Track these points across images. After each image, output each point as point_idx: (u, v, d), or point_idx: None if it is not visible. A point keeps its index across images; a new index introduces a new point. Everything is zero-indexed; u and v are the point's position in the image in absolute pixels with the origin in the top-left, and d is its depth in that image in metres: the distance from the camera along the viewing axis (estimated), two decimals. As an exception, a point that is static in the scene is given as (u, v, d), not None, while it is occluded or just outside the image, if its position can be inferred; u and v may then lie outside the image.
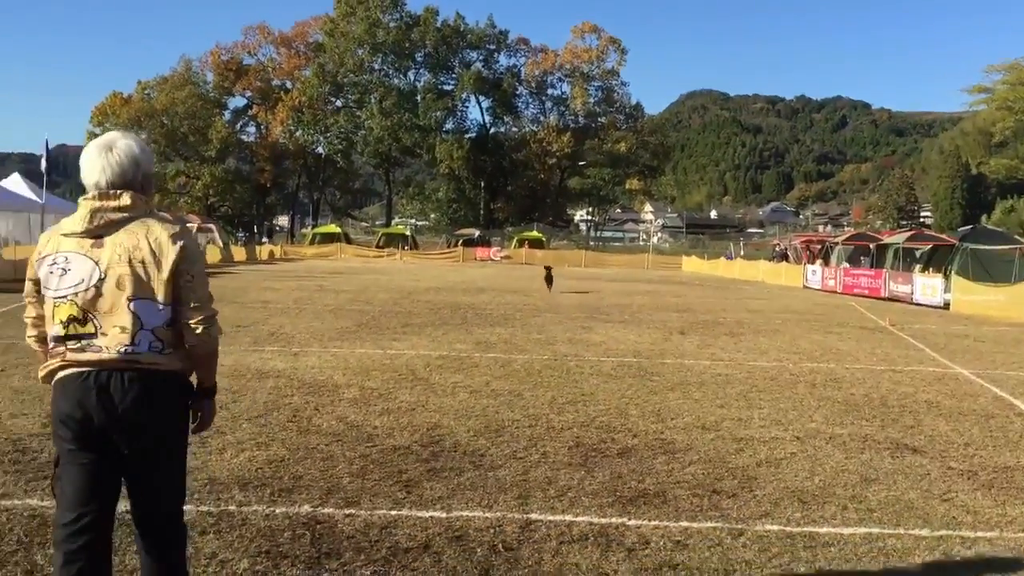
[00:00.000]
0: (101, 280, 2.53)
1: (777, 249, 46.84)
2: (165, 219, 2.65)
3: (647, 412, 6.89)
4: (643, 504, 4.48)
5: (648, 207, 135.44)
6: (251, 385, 7.52)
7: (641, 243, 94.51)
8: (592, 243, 76.70)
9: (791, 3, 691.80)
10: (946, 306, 21.06)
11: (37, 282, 2.64)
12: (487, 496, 4.53)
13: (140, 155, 2.64)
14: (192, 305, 2.59)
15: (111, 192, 2.58)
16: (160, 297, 2.55)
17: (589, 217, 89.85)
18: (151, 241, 2.55)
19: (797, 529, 4.17)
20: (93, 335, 2.54)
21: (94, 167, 2.60)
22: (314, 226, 67.80)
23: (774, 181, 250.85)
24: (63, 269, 2.55)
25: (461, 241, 55.41)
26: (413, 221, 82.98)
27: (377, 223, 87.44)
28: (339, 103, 73.16)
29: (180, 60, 70.45)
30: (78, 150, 2.79)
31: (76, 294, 2.53)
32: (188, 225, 2.77)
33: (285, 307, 15.73)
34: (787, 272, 34.95)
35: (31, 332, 2.75)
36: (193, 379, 2.74)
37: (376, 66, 71.20)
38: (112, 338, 2.52)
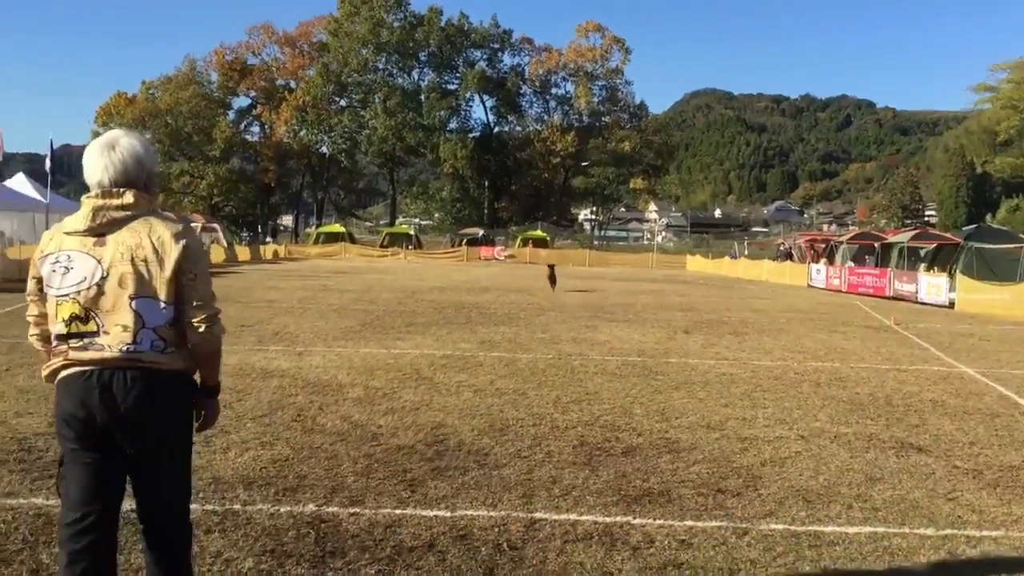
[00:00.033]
0: (103, 278, 2.52)
1: (781, 248, 46.79)
2: (168, 218, 2.64)
3: (651, 411, 6.89)
4: (648, 503, 4.48)
5: (652, 206, 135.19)
6: (255, 384, 7.53)
7: (645, 242, 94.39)
8: (596, 242, 76.47)
9: (795, 2, 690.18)
10: (951, 305, 21.02)
11: (39, 280, 2.62)
12: (491, 495, 4.52)
13: (143, 153, 2.63)
14: (195, 304, 2.58)
15: (114, 190, 2.57)
16: (162, 296, 2.54)
17: (593, 216, 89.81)
18: (154, 240, 2.54)
19: (802, 528, 4.16)
20: (95, 333, 2.53)
21: (97, 165, 2.59)
22: (318, 226, 67.76)
23: (778, 180, 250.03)
24: (65, 267, 2.54)
25: (465, 240, 55.33)
26: (417, 220, 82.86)
27: (381, 223, 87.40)
28: (343, 103, 73.16)
29: (184, 60, 70.63)
30: (82, 150, 2.78)
31: (78, 292, 2.52)
32: (191, 224, 2.75)
33: (289, 307, 15.75)
34: (791, 271, 34.89)
35: (34, 331, 2.73)
36: (197, 378, 2.73)
37: (380, 65, 71.24)
38: (114, 337, 2.52)
